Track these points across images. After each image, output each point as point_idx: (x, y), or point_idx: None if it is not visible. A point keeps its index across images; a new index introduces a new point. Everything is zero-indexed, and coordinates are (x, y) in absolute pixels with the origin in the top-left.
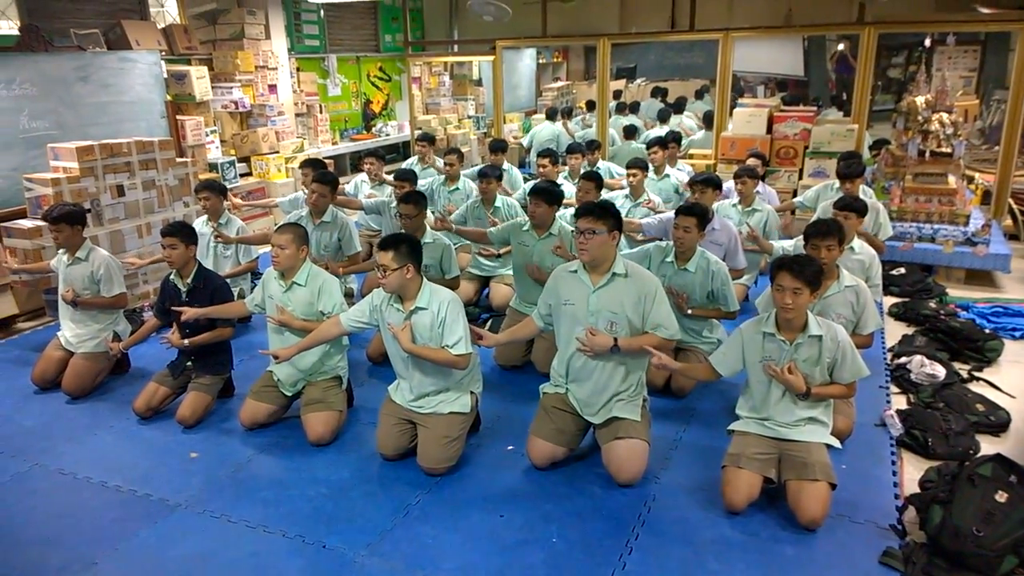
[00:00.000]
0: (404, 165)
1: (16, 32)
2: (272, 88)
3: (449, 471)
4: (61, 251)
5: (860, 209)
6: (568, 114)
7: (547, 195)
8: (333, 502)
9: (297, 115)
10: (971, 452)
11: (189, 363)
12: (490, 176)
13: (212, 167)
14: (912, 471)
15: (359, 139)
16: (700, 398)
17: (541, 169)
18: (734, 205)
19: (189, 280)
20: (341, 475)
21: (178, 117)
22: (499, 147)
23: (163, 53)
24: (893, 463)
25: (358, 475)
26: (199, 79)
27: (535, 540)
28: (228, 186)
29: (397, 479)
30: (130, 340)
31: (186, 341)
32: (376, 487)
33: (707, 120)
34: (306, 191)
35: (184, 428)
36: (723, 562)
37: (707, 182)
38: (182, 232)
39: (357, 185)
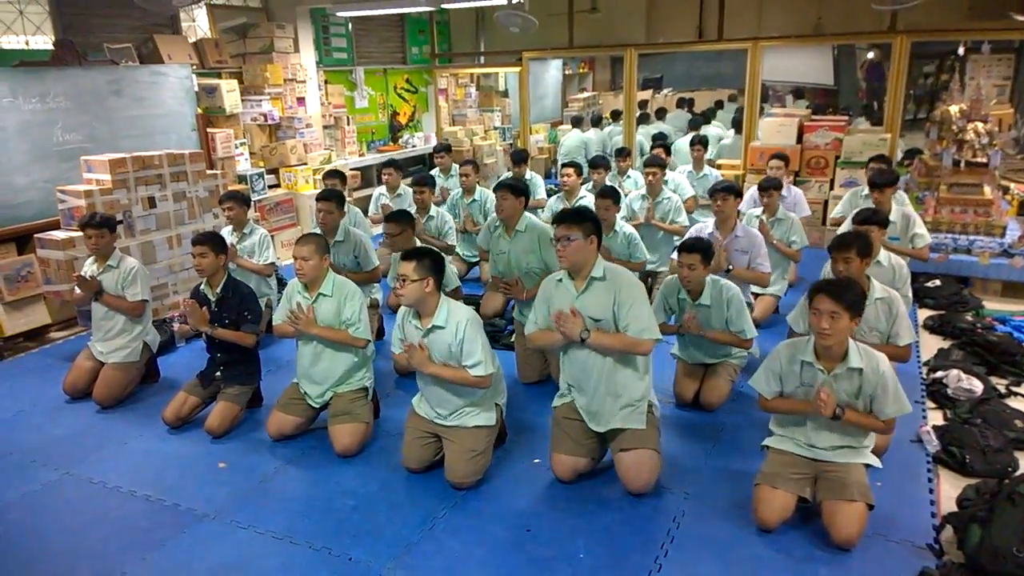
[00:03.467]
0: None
1: (51, 47)
2: (300, 100)
3: (475, 485)
4: (90, 260)
5: (881, 221)
6: (597, 123)
7: (512, 188)
8: (359, 514)
9: (325, 127)
10: (1010, 469)
11: (218, 373)
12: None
13: (241, 179)
14: (949, 489)
15: (385, 150)
16: (729, 412)
17: (566, 179)
18: (758, 216)
19: (218, 289)
20: (368, 487)
21: (208, 130)
22: (521, 158)
23: (194, 67)
24: (929, 480)
25: (384, 487)
26: (229, 92)
27: (562, 555)
28: (256, 198)
29: (423, 492)
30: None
31: (210, 329)
32: (402, 499)
33: (735, 125)
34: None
35: (212, 438)
36: None
37: (728, 190)
38: (213, 241)
39: (376, 198)
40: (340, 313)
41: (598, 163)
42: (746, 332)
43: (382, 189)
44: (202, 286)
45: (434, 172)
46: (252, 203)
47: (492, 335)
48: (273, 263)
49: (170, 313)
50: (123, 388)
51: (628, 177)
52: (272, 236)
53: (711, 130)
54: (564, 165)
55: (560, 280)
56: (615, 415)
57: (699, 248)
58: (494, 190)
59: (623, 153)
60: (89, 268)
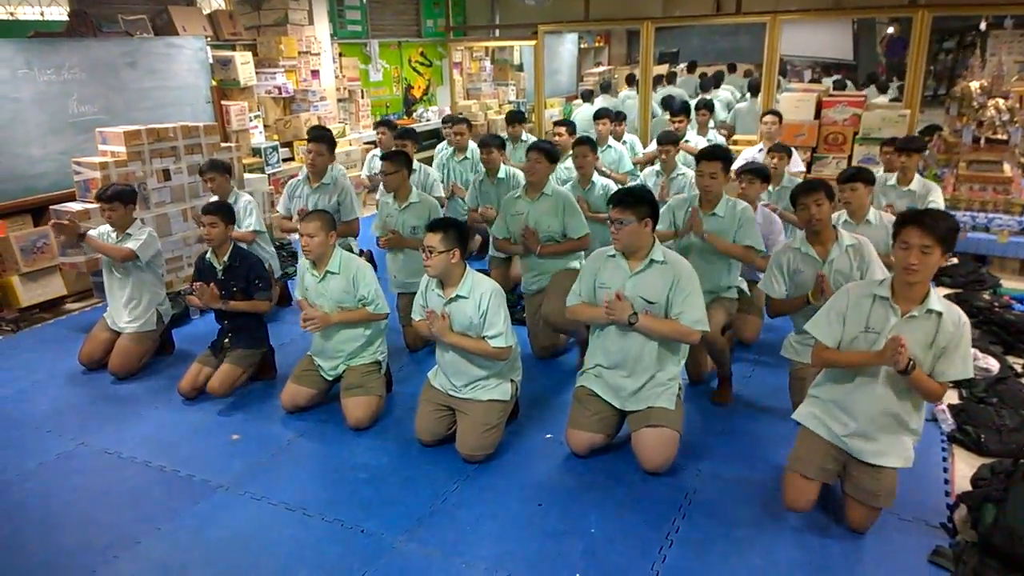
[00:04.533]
0: (438, 150)
1: (66, 18)
2: (315, 74)
3: (487, 459)
4: (110, 228)
5: (867, 178)
6: (607, 89)
7: (547, 153)
8: (372, 487)
9: (339, 100)
10: None
11: (227, 341)
12: (491, 145)
13: (255, 152)
14: (964, 468)
15: (400, 124)
16: (744, 385)
17: (557, 138)
18: (657, 173)
19: (225, 259)
20: (380, 460)
21: (223, 102)
22: (516, 118)
23: (208, 39)
24: (944, 459)
25: (397, 460)
26: (243, 64)
27: (574, 530)
28: (270, 171)
29: (435, 465)
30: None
31: (223, 305)
32: (415, 473)
33: (752, 89)
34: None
35: (214, 398)
36: (767, 558)
37: (756, 172)
38: (223, 211)
39: (369, 160)
40: (352, 291)
41: (601, 114)
42: (756, 246)
43: (375, 152)
44: (208, 255)
45: (442, 146)
46: (232, 170)
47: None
48: (257, 230)
49: (184, 285)
50: (138, 359)
51: (625, 142)
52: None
53: (721, 94)
54: (556, 123)
55: (613, 256)
56: (647, 394)
57: (720, 156)
58: (527, 151)
59: (620, 117)
60: (106, 236)
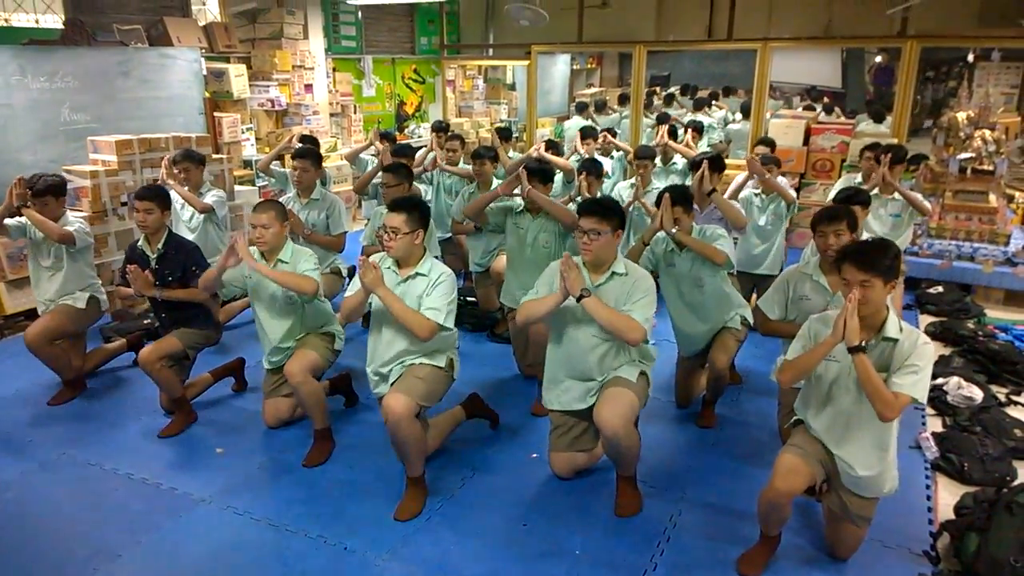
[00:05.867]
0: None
1: (61, 26)
2: (308, 87)
3: (412, 412)
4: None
5: (863, 200)
6: (601, 108)
7: (541, 175)
8: (356, 503)
9: (331, 115)
10: (1008, 479)
11: (163, 330)
12: (483, 157)
13: (247, 164)
14: (947, 496)
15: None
16: (730, 409)
17: (450, 153)
18: (757, 193)
19: (159, 246)
20: (364, 477)
21: (215, 114)
22: (505, 136)
23: (203, 50)
24: (927, 487)
25: (381, 478)
26: (237, 77)
27: (557, 552)
28: (261, 183)
29: None
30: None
31: (158, 293)
32: (399, 490)
33: (744, 111)
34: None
35: (135, 364)
36: None
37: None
38: (159, 197)
39: (362, 160)
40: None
41: (587, 134)
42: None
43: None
44: (139, 242)
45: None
46: (204, 161)
47: (488, 325)
48: (212, 209)
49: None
50: (54, 333)
51: (612, 157)
52: None
53: (717, 113)
54: (449, 139)
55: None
56: (609, 374)
57: (677, 199)
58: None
59: (612, 133)
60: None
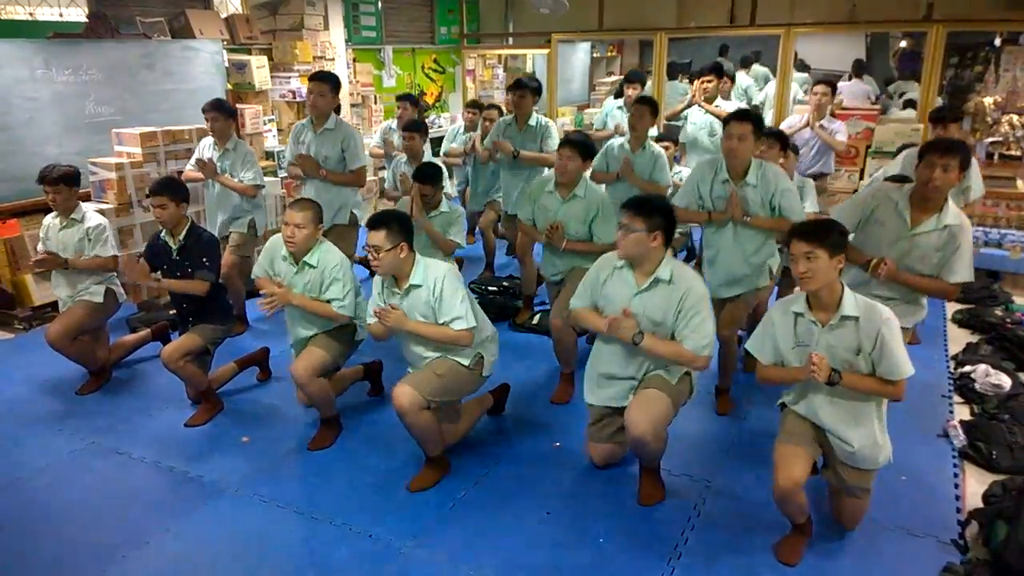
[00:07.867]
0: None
1: (84, 19)
2: None
3: (423, 405)
4: (51, 216)
5: (957, 117)
6: (619, 95)
7: (582, 148)
8: (380, 492)
9: (352, 105)
10: None
11: (190, 325)
12: (525, 87)
13: (269, 155)
14: (975, 484)
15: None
16: (751, 400)
17: (400, 112)
18: (621, 145)
19: (180, 238)
20: (390, 465)
21: (237, 105)
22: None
23: (225, 42)
24: (955, 475)
25: (406, 466)
26: (259, 68)
27: (581, 540)
28: (282, 174)
29: None
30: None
31: (157, 277)
32: None
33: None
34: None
35: (162, 361)
36: (776, 572)
37: (775, 136)
38: (171, 189)
39: (385, 131)
40: (322, 286)
41: (633, 78)
42: (796, 214)
43: (391, 124)
44: (163, 234)
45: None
46: (236, 115)
47: (511, 314)
48: (258, 184)
49: None
50: (76, 328)
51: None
52: None
53: (760, 69)
54: (398, 98)
55: (620, 268)
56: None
57: (750, 117)
58: (560, 147)
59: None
60: (52, 221)
